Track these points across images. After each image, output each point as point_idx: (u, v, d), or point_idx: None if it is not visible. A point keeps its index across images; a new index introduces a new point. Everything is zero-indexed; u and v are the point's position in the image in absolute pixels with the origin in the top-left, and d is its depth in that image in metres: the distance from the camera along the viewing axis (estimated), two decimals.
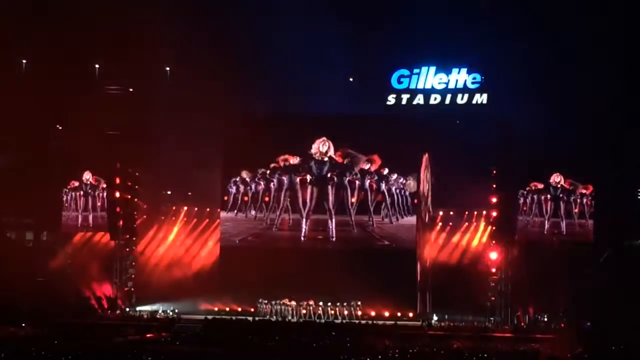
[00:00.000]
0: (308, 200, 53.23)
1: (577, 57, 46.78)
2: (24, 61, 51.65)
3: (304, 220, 53.41)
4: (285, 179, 53.49)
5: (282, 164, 53.34)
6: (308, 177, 53.15)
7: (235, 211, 54.40)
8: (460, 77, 50.43)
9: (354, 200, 52.96)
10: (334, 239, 53.16)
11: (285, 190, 53.65)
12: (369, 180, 52.76)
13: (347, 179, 52.70)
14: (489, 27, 47.43)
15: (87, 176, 53.38)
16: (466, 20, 47.95)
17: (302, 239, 53.59)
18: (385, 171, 52.59)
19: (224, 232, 54.50)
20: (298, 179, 53.28)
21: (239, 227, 54.54)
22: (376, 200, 53.05)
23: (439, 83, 50.69)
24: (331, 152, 52.55)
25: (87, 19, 48.45)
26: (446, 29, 48.16)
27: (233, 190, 54.17)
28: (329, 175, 52.80)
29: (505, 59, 48.11)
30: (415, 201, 52.71)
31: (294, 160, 53.18)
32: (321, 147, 52.64)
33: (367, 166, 52.50)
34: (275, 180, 53.65)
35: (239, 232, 54.44)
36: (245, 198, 54.26)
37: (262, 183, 53.92)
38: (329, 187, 52.87)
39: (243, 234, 54.38)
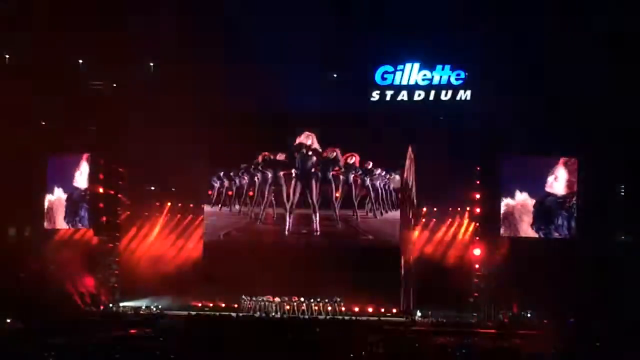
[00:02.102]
0: (292, 195, 53.32)
1: (562, 54, 46.76)
2: (7, 56, 51.37)
3: (288, 214, 53.49)
4: (269, 173, 53.57)
5: (264, 159, 53.41)
6: (292, 171, 53.20)
7: (220, 205, 54.45)
8: (444, 73, 50.48)
9: (338, 194, 53.07)
10: (318, 233, 53.25)
11: (270, 185, 53.77)
12: (353, 175, 52.84)
13: (331, 173, 52.79)
14: (473, 24, 47.38)
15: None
16: (450, 16, 47.84)
17: (286, 233, 53.70)
18: (370, 165, 52.67)
19: (208, 226, 54.53)
20: (282, 174, 53.37)
21: (223, 221, 54.62)
22: (360, 195, 53.13)
23: (423, 79, 50.68)
24: (315, 145, 52.68)
25: (71, 14, 48.14)
26: (430, 26, 48.07)
27: (217, 184, 54.24)
28: (313, 170, 52.90)
29: (490, 55, 48.04)
30: (400, 195, 52.82)
31: (280, 156, 53.28)
32: (305, 140, 52.77)
33: (351, 160, 52.58)
34: (259, 175, 53.71)
35: (223, 226, 54.50)
36: (230, 192, 54.32)
37: (246, 177, 53.99)
38: (313, 181, 52.97)
39: (227, 228, 54.45)
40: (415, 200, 53.65)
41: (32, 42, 49.11)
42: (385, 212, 53.01)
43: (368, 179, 52.79)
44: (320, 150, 52.90)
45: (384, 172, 52.75)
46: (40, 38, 48.52)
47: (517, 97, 47.73)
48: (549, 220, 49.22)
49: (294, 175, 53.19)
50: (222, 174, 54.16)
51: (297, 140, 53.00)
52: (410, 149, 52.26)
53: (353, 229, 53.33)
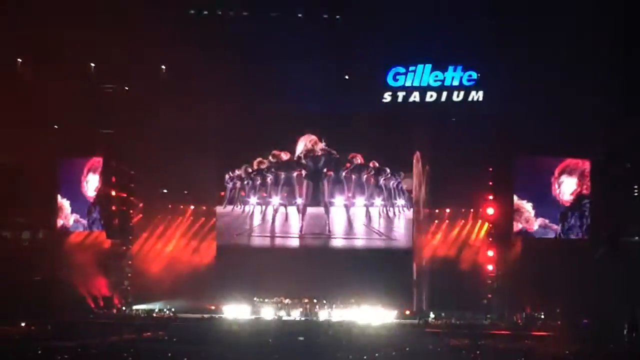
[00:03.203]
0: (304, 195, 53.29)
1: (573, 54, 46.62)
2: (19, 60, 51.48)
3: (300, 215, 53.45)
4: (281, 174, 53.56)
5: (275, 159, 53.42)
6: (303, 172, 53.18)
7: (232, 206, 54.46)
8: (456, 74, 50.40)
9: (350, 195, 53.02)
10: (330, 234, 53.18)
11: (282, 186, 53.74)
12: (365, 175, 52.78)
13: (344, 173, 52.77)
14: (485, 25, 47.30)
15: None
16: (462, 17, 47.78)
17: (299, 233, 53.64)
18: (376, 164, 52.62)
19: (220, 227, 54.59)
20: (294, 174, 53.33)
21: (236, 222, 54.59)
22: (373, 195, 53.07)
23: (435, 80, 50.61)
24: (321, 145, 52.73)
25: (83, 17, 48.23)
26: (442, 27, 48.04)
27: (230, 185, 54.25)
28: (324, 170, 52.86)
29: (501, 56, 47.95)
30: (413, 195, 52.75)
31: (287, 155, 53.28)
32: (308, 144, 52.81)
33: (357, 160, 52.57)
34: (271, 176, 53.71)
35: (236, 227, 54.51)
36: (242, 193, 54.34)
37: (258, 178, 53.99)
38: (325, 182, 52.94)
39: (240, 229, 54.42)
40: (427, 202, 53.45)
41: (43, 45, 49.14)
42: (398, 212, 52.95)
43: (381, 179, 52.73)
44: (330, 150, 52.82)
45: (396, 174, 52.63)
46: (52, 41, 48.57)
47: (529, 97, 47.65)
48: (563, 220, 49.17)
49: (305, 175, 53.13)
50: (234, 174, 54.10)
51: (303, 142, 52.98)
52: (415, 155, 52.12)
53: (365, 229, 53.26)
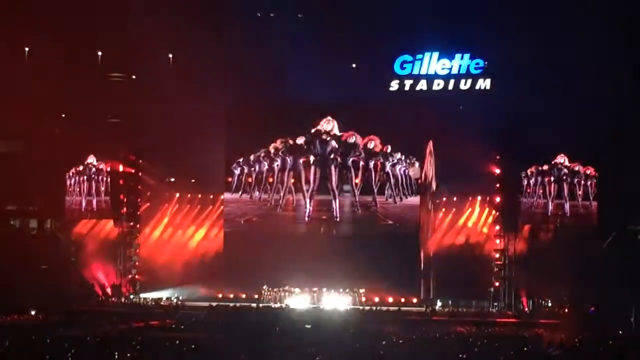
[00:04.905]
0: (311, 181, 53.27)
1: (579, 41, 46.54)
2: (27, 48, 51.49)
3: (308, 200, 53.43)
4: (288, 159, 53.52)
5: (283, 145, 53.34)
6: (311, 157, 53.14)
7: (240, 192, 54.46)
8: (463, 62, 50.32)
9: (357, 180, 52.99)
10: (338, 219, 53.20)
11: (289, 171, 53.74)
12: (373, 161, 52.74)
13: (351, 159, 52.73)
14: (491, 13, 47.22)
15: (91, 160, 53.64)
16: (469, 5, 47.73)
17: (306, 219, 53.70)
18: (389, 149, 52.61)
19: (228, 213, 54.74)
20: (301, 160, 53.29)
21: (244, 208, 54.71)
22: (380, 181, 53.05)
23: (442, 68, 50.54)
24: (335, 131, 52.65)
25: (90, 5, 48.28)
26: (449, 15, 48.01)
27: (237, 171, 54.21)
28: (332, 156, 52.80)
29: (508, 44, 47.86)
30: (419, 181, 52.68)
31: (299, 140, 53.16)
32: (325, 125, 52.73)
33: (371, 145, 52.46)
34: (278, 161, 53.65)
35: (244, 213, 54.65)
36: (249, 179, 54.31)
37: (265, 163, 53.94)
38: (332, 167, 52.87)
39: (248, 215, 54.53)
40: (435, 190, 53.40)
41: (51, 35, 49.16)
42: (405, 198, 52.95)
43: (388, 165, 52.66)
44: (340, 135, 52.72)
45: (403, 157, 52.57)
46: (59, 31, 48.63)
47: (536, 84, 47.58)
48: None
49: (312, 161, 53.05)
50: (241, 160, 54.05)
51: (317, 126, 52.90)
52: (430, 144, 52.01)
53: (373, 214, 53.28)
